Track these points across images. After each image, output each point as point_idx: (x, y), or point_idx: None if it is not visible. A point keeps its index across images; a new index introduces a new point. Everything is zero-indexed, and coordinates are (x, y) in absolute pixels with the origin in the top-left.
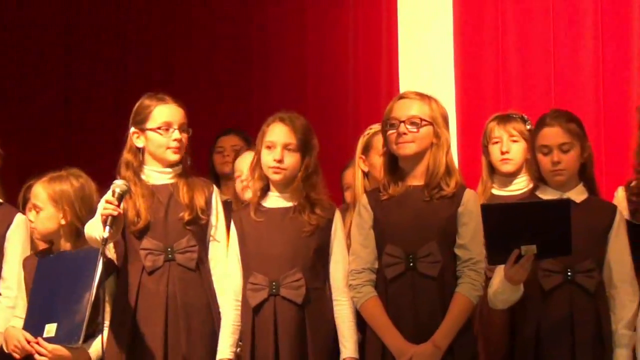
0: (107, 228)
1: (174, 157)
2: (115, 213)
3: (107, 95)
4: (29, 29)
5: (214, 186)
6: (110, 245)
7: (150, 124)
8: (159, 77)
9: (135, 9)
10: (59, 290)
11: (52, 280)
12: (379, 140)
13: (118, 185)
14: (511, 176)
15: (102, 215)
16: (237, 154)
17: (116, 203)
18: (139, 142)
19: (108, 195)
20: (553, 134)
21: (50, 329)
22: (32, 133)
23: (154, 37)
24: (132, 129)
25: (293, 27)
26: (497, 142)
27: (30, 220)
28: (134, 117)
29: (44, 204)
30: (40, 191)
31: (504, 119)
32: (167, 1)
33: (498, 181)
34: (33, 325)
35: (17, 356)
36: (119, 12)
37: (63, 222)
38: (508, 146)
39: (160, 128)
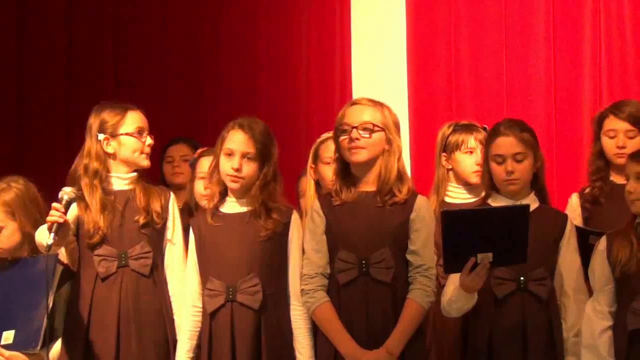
0: (52, 235)
1: (146, 162)
2: (61, 220)
3: (57, 100)
4: None
5: (171, 193)
6: (64, 252)
7: (124, 129)
8: (112, 79)
9: (86, 10)
10: (15, 298)
11: (8, 288)
12: (325, 150)
13: (66, 192)
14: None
15: (47, 221)
16: (187, 163)
17: (62, 210)
18: (110, 148)
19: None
20: (507, 144)
21: (8, 336)
22: None
23: (104, 37)
24: (102, 136)
25: (245, 35)
26: (471, 153)
27: None
28: (101, 124)
29: (3, 221)
30: None
31: (474, 129)
32: (117, 0)
33: (468, 190)
34: None
35: None
36: (69, 11)
37: (24, 230)
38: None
39: (136, 132)
